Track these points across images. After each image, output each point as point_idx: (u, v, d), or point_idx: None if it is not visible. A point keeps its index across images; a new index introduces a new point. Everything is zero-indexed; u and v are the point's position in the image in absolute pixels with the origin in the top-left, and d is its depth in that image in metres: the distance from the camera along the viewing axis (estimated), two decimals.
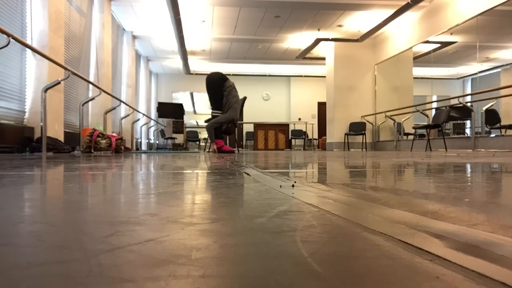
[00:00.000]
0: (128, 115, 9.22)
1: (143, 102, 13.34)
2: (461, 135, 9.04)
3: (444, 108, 8.21)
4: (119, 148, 5.81)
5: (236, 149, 7.19)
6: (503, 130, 7.63)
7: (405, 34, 9.79)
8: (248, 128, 15.52)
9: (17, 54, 5.03)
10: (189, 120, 16.37)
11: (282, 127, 12.70)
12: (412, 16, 9.26)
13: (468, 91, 8.86)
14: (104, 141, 5.59)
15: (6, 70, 4.77)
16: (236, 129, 6.34)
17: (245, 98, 6.80)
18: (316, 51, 12.24)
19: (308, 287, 0.29)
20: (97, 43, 8.03)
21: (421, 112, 8.80)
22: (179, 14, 8.24)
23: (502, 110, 7.85)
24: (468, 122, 8.65)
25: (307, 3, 8.58)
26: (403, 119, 9.84)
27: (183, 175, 1.45)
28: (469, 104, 7.50)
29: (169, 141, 11.65)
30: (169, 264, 0.34)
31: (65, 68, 5.28)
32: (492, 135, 7.28)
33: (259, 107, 16.58)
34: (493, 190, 1.03)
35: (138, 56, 12.45)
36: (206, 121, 6.20)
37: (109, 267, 0.33)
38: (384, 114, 10.26)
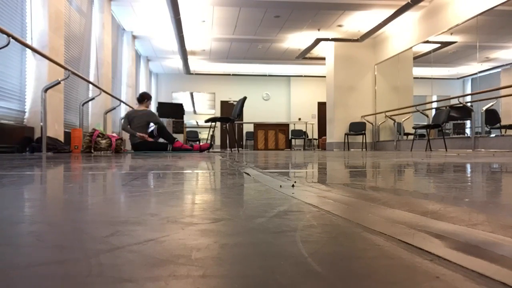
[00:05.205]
0: None
1: None
2: (461, 135, 9.03)
3: (444, 108, 8.22)
4: (119, 148, 5.81)
5: (236, 149, 7.30)
6: (503, 130, 7.63)
7: (405, 34, 9.79)
8: (248, 128, 15.51)
9: (17, 54, 5.03)
10: (189, 120, 16.36)
11: (282, 127, 12.69)
12: (412, 16, 9.26)
13: (468, 91, 8.86)
14: (104, 141, 5.59)
15: (6, 70, 4.77)
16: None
17: (245, 98, 6.82)
18: (316, 51, 12.24)
19: (308, 287, 0.29)
20: (97, 43, 8.03)
21: (421, 112, 8.80)
22: (179, 14, 8.24)
23: (502, 110, 7.85)
24: (468, 122, 8.65)
25: (307, 3, 8.57)
26: (403, 119, 9.84)
27: (183, 175, 1.45)
28: (469, 104, 7.49)
29: None
30: (169, 264, 0.34)
31: (65, 68, 5.28)
32: (492, 135, 7.28)
33: (259, 107, 16.58)
34: (493, 190, 1.03)
35: (138, 56, 12.45)
36: (206, 121, 6.58)
37: (109, 267, 0.33)
38: (384, 114, 10.26)
